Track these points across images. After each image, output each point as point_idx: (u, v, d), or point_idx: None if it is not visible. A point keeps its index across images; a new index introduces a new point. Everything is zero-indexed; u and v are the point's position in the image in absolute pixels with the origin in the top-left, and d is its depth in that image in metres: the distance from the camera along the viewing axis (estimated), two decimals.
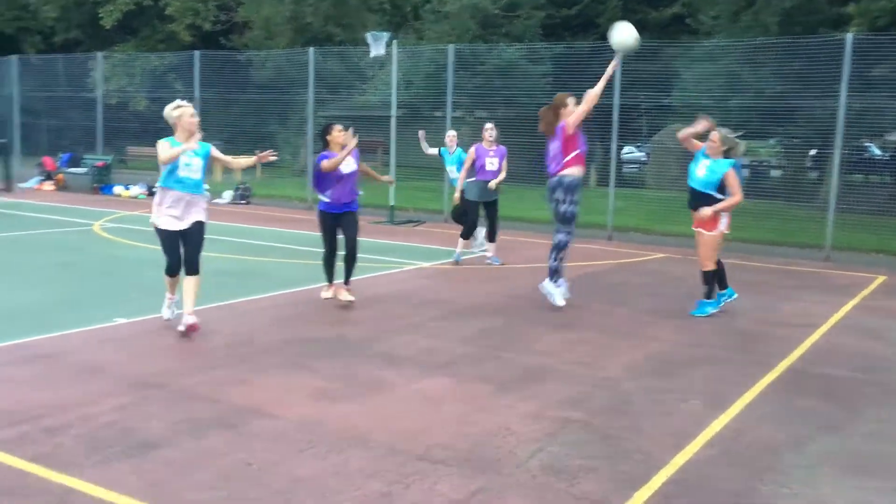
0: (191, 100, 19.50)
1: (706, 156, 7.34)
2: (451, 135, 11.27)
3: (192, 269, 6.30)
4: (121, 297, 7.48)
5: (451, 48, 15.31)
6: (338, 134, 7.19)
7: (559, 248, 7.52)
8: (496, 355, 6.03)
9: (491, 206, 10.16)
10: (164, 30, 25.95)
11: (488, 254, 10.27)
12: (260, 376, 5.35)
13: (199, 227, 6.31)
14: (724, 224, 7.31)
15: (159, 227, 6.26)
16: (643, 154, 24.69)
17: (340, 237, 7.42)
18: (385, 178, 8.52)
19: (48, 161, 19.52)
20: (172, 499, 3.55)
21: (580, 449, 4.26)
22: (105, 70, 20.72)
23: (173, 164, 6.13)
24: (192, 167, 6.22)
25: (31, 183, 18.96)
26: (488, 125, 10.09)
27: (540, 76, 17.25)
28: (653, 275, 9.75)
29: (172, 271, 6.38)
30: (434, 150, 11.53)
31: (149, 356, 5.69)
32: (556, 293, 7.56)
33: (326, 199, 7.25)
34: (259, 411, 4.65)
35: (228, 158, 6.63)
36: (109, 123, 20.16)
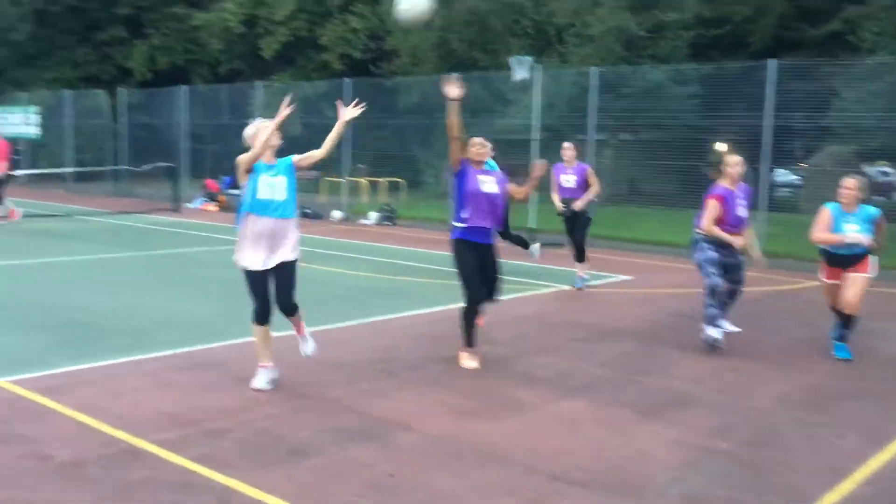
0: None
1: (846, 214, 6.54)
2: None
3: (290, 310, 5.56)
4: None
5: (594, 71, 15.25)
6: (474, 148, 6.32)
7: (711, 292, 6.79)
8: (636, 380, 5.95)
9: (574, 225, 9.87)
10: (318, 59, 27.26)
11: (579, 273, 9.93)
12: (402, 391, 5.52)
13: (289, 266, 5.42)
14: (875, 264, 6.78)
15: (242, 266, 5.45)
16: (797, 177, 23.56)
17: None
18: (534, 173, 6.39)
19: (211, 183, 20.91)
20: None
21: (724, 480, 4.14)
22: (264, 98, 22.02)
23: (253, 186, 5.30)
24: (275, 187, 5.31)
25: (197, 203, 20.36)
26: (566, 144, 9.99)
27: (687, 98, 16.87)
28: (808, 304, 9.28)
29: (261, 318, 5.47)
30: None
31: (300, 368, 5.99)
32: (716, 332, 6.78)
33: (461, 225, 6.09)
34: (401, 425, 4.80)
35: (311, 152, 5.55)
36: None
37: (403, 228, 16.89)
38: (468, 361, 6.12)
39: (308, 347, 5.78)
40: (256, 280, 5.39)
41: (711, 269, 6.81)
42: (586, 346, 6.98)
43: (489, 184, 6.17)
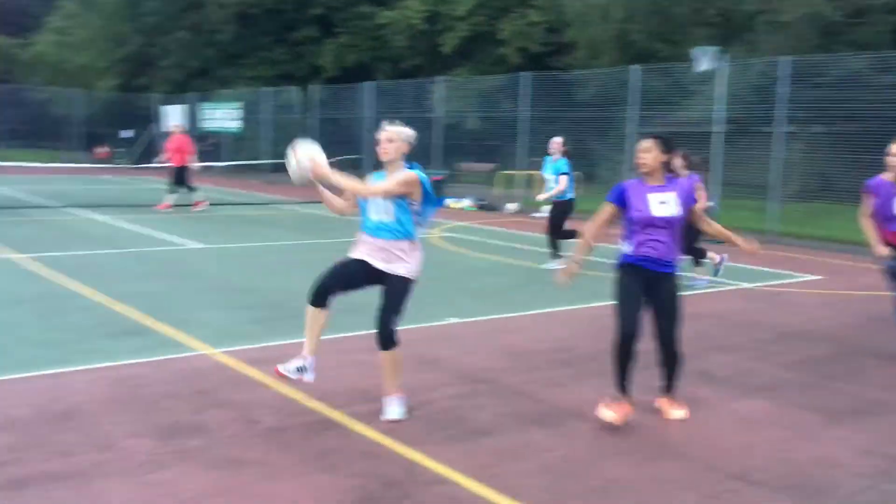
0: (515, 118, 20.52)
1: None
2: (556, 141, 10.69)
3: (381, 339, 4.69)
4: (453, 299, 8.21)
5: (784, 60, 14.50)
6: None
7: None
8: (824, 384, 5.69)
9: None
10: (495, 54, 27.61)
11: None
12: (579, 382, 5.61)
13: (395, 282, 4.70)
14: None
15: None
16: None
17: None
18: (746, 244, 5.06)
19: None
20: (500, 482, 3.90)
21: None
22: (444, 92, 22.64)
23: (363, 205, 4.78)
24: (379, 205, 4.68)
25: None
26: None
27: (890, 87, 15.64)
28: None
29: (317, 298, 4.73)
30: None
31: (478, 354, 6.21)
32: None
33: (627, 251, 4.80)
34: (578, 414, 4.89)
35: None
36: (445, 142, 21.98)
37: (579, 222, 16.84)
38: (605, 411, 4.71)
39: (392, 410, 4.73)
40: (342, 261, 4.82)
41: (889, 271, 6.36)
42: (770, 346, 6.74)
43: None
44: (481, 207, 19.41)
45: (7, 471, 3.84)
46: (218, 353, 5.95)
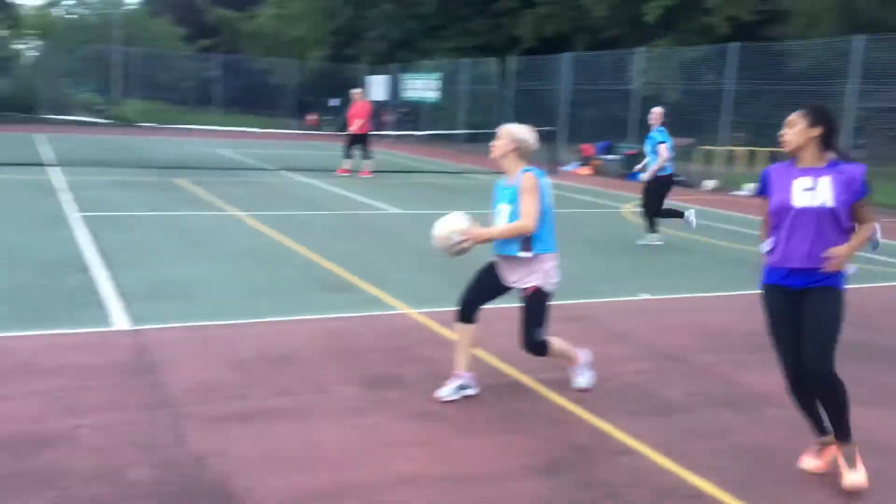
0: (720, 90, 19.63)
1: None
2: (657, 111, 10.13)
3: (532, 352, 4.60)
4: (644, 275, 8.14)
5: None
6: None
7: None
8: None
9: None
10: (701, 23, 26.44)
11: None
12: (774, 366, 5.42)
13: (528, 296, 4.49)
14: None
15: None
16: None
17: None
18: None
19: (586, 148, 21.61)
20: (688, 460, 3.91)
21: None
22: (644, 64, 22.06)
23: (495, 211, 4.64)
24: (500, 216, 4.52)
25: (571, 167, 21.21)
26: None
27: None
28: None
29: (463, 315, 4.62)
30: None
31: (669, 331, 6.16)
32: None
33: (767, 255, 3.89)
34: (771, 399, 4.76)
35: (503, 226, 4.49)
36: (642, 115, 21.47)
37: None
38: (808, 460, 3.92)
39: (581, 379, 4.83)
40: (484, 268, 4.70)
41: None
42: None
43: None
44: (677, 183, 18.84)
45: (236, 405, 4.33)
46: (415, 313, 6.31)
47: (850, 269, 3.76)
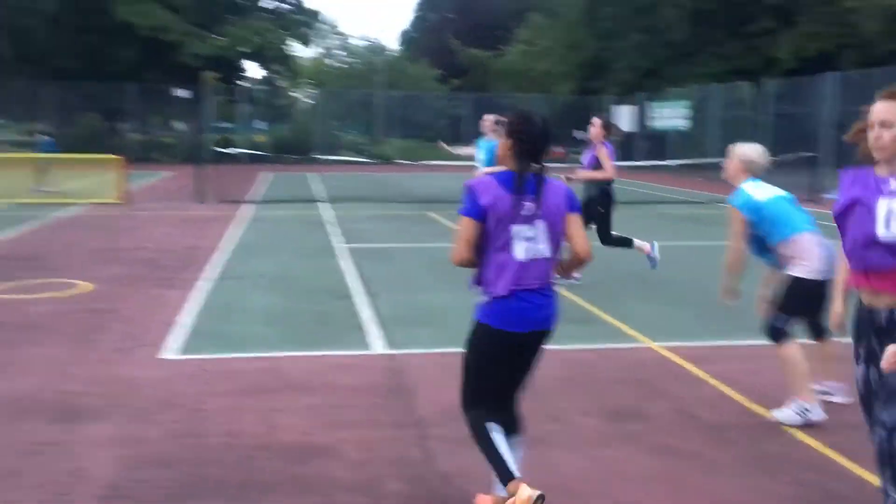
0: None
1: None
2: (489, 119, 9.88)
3: (764, 334, 4.64)
4: None
5: None
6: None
7: None
8: None
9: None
10: None
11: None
12: None
13: (788, 280, 4.50)
14: None
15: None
16: None
17: None
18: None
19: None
20: None
21: None
22: None
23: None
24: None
25: (831, 195, 19.60)
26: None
27: None
28: None
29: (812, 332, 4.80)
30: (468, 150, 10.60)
31: None
32: None
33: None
34: None
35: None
36: None
37: None
38: None
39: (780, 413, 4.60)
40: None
41: None
42: None
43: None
44: None
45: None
46: (659, 347, 6.19)
47: None
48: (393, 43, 64.54)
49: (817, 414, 4.54)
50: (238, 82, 39.27)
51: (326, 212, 15.47)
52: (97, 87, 32.51)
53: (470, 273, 3.34)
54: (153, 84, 34.24)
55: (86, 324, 6.68)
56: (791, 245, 4.56)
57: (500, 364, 3.35)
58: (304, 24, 41.45)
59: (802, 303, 4.56)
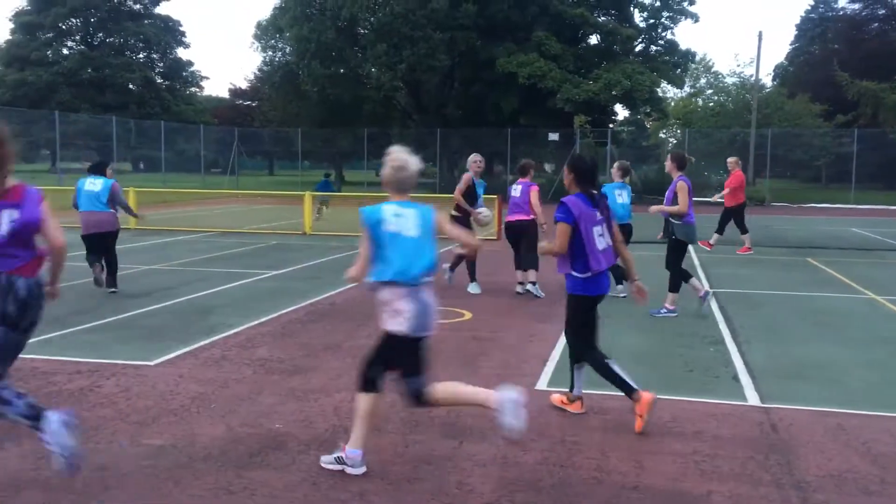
0: None
1: None
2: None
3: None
4: None
5: None
6: None
7: None
8: None
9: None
10: None
11: None
12: None
13: None
14: None
15: None
16: None
17: None
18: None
19: None
20: None
21: None
22: None
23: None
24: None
25: None
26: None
27: None
28: None
29: None
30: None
31: None
32: None
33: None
34: None
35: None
36: None
37: None
38: None
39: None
40: None
41: None
42: None
43: None
44: None
45: (874, 500, 4.09)
46: None
47: None
48: (766, 78, 61.02)
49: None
50: (610, 126, 40.18)
51: (692, 254, 15.09)
52: (479, 132, 35.52)
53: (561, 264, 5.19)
54: (529, 128, 36.45)
55: (469, 350, 7.29)
56: None
57: (591, 318, 5.29)
58: (676, 64, 41.16)
59: None
